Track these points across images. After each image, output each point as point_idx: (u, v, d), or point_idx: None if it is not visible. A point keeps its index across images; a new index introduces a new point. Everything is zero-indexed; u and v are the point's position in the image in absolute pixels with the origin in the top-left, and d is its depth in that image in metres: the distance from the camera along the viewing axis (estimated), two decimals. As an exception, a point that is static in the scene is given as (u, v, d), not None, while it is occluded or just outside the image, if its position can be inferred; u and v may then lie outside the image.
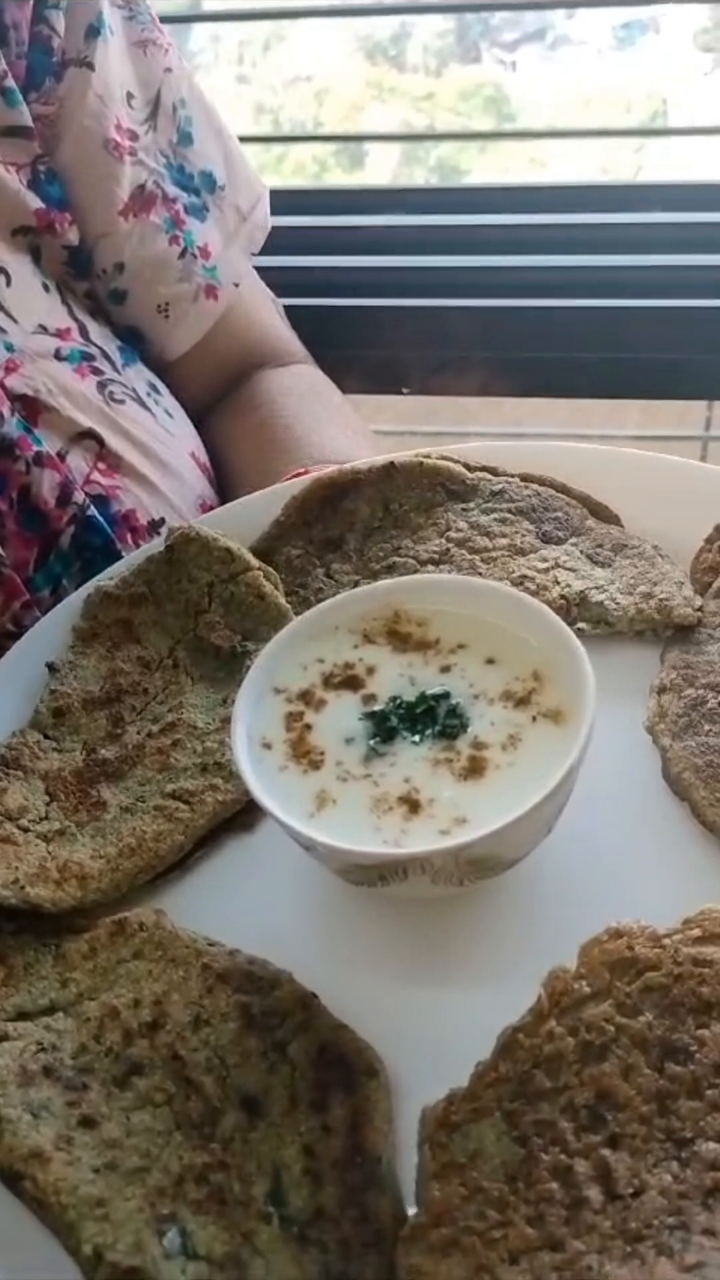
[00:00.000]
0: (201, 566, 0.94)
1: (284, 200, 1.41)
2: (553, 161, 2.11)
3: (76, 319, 1.20)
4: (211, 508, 1.20)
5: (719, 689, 0.81)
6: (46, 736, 0.88)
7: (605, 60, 2.20)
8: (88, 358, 1.17)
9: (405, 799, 0.71)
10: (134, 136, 1.23)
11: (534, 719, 0.73)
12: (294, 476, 1.05)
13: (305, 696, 0.78)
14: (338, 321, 1.68)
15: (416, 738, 0.74)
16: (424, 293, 1.68)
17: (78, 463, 1.11)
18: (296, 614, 0.86)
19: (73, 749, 0.87)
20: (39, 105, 1.16)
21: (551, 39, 2.23)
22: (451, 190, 2.02)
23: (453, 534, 0.95)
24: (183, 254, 1.27)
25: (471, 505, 0.97)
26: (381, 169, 2.33)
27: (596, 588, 0.89)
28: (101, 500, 1.12)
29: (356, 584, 0.92)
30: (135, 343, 1.27)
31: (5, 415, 1.06)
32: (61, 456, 1.10)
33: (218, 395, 1.37)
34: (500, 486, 0.98)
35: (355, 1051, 0.67)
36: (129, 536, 1.13)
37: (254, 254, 1.35)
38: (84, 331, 1.19)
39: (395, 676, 0.78)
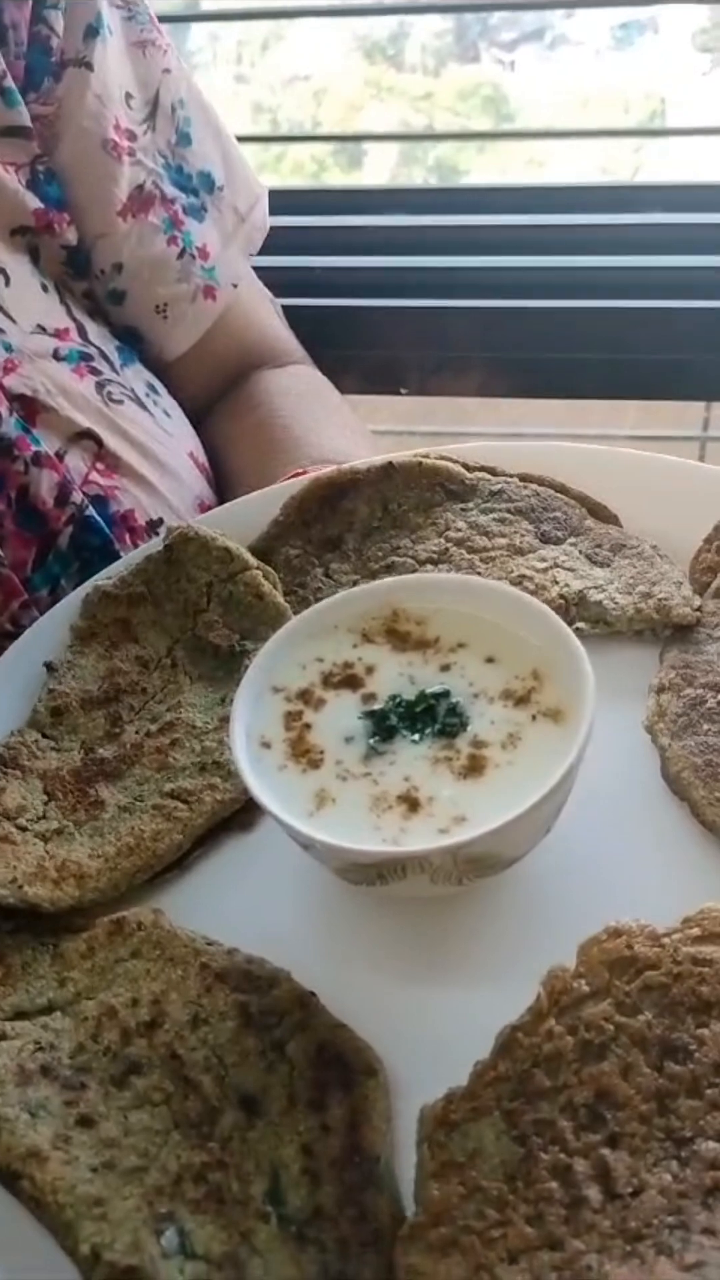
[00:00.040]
0: (200, 566, 0.94)
1: (282, 200, 1.41)
2: (551, 161, 2.11)
3: (75, 319, 1.20)
4: (210, 508, 1.20)
5: (718, 688, 0.81)
6: (45, 736, 0.88)
7: (604, 60, 2.20)
8: (86, 358, 1.17)
9: (404, 798, 0.71)
10: (133, 137, 1.23)
11: (534, 718, 0.73)
12: (292, 477, 1.05)
13: (304, 695, 0.78)
14: (336, 322, 1.68)
15: (416, 736, 0.74)
16: (422, 293, 1.68)
17: (76, 463, 1.11)
18: (295, 613, 0.86)
19: (71, 748, 0.87)
20: (38, 105, 1.16)
21: (550, 39, 2.23)
22: (450, 190, 2.02)
23: (451, 534, 0.95)
24: (181, 254, 1.27)
25: (470, 505, 0.97)
26: (380, 169, 2.33)
27: (595, 587, 0.89)
28: (100, 500, 1.12)
29: (355, 584, 0.92)
30: (134, 343, 1.27)
31: (4, 415, 1.06)
32: (60, 456, 1.10)
33: (216, 396, 1.37)
34: (499, 486, 0.98)
35: (354, 1050, 0.67)
36: (127, 537, 1.13)
37: (252, 254, 1.35)
38: (82, 331, 1.19)
39: (395, 675, 0.78)
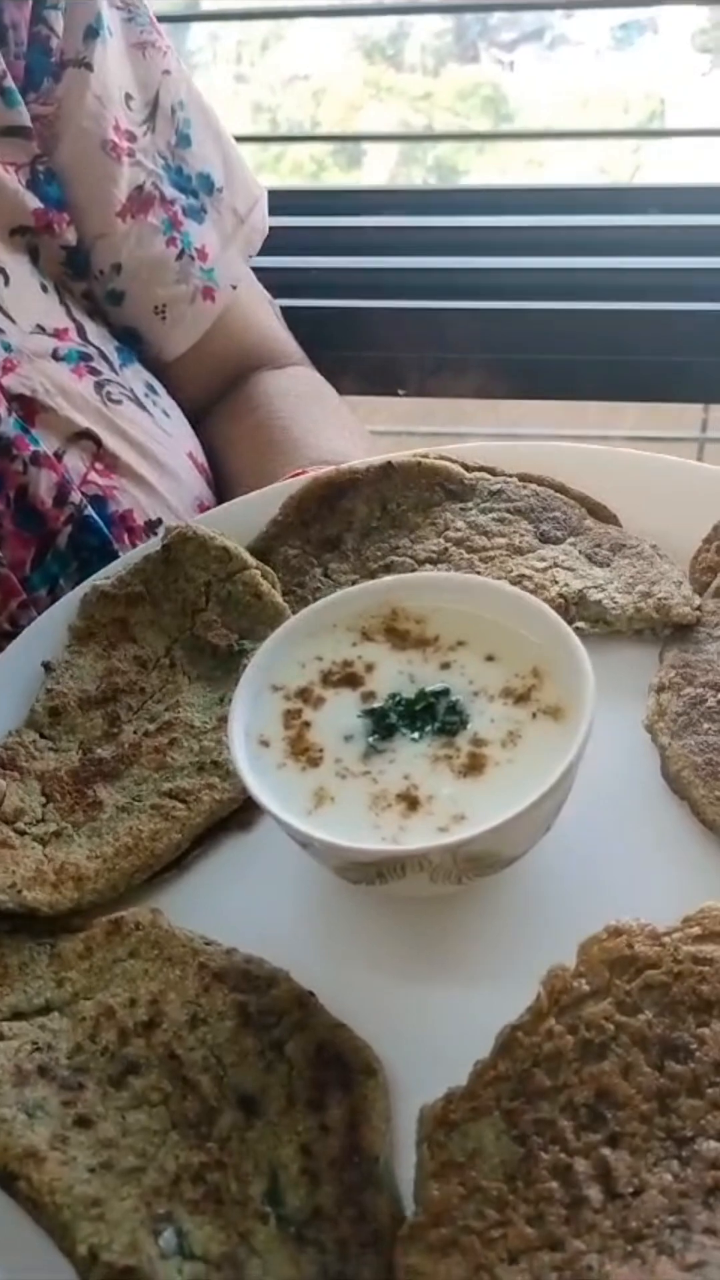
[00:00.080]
0: (198, 566, 0.94)
1: (281, 200, 1.41)
2: (550, 161, 2.11)
3: (74, 319, 1.20)
4: (209, 508, 1.20)
5: (718, 687, 0.81)
6: (43, 736, 0.88)
7: (603, 61, 2.20)
8: (85, 358, 1.17)
9: (404, 796, 0.70)
10: (132, 138, 1.23)
11: (534, 716, 0.73)
12: (291, 478, 1.05)
13: (304, 694, 0.77)
14: (335, 322, 1.68)
15: (416, 734, 0.73)
16: (421, 294, 1.68)
17: (75, 463, 1.11)
18: (294, 613, 0.86)
19: (69, 748, 0.87)
20: (37, 105, 1.16)
21: (549, 39, 2.23)
22: (449, 191, 2.03)
23: (451, 533, 0.95)
24: (180, 255, 1.27)
25: (470, 505, 0.97)
26: (379, 169, 2.33)
27: (595, 587, 0.88)
28: (98, 500, 1.12)
29: (354, 583, 0.92)
30: (133, 343, 1.27)
31: (2, 415, 1.06)
32: (59, 456, 1.10)
33: (215, 397, 1.37)
34: (498, 486, 0.97)
35: (353, 1050, 0.66)
36: (126, 537, 1.13)
37: (251, 256, 1.35)
38: (82, 332, 1.19)
39: (394, 674, 0.78)
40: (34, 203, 1.15)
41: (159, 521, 1.15)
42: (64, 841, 0.81)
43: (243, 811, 0.82)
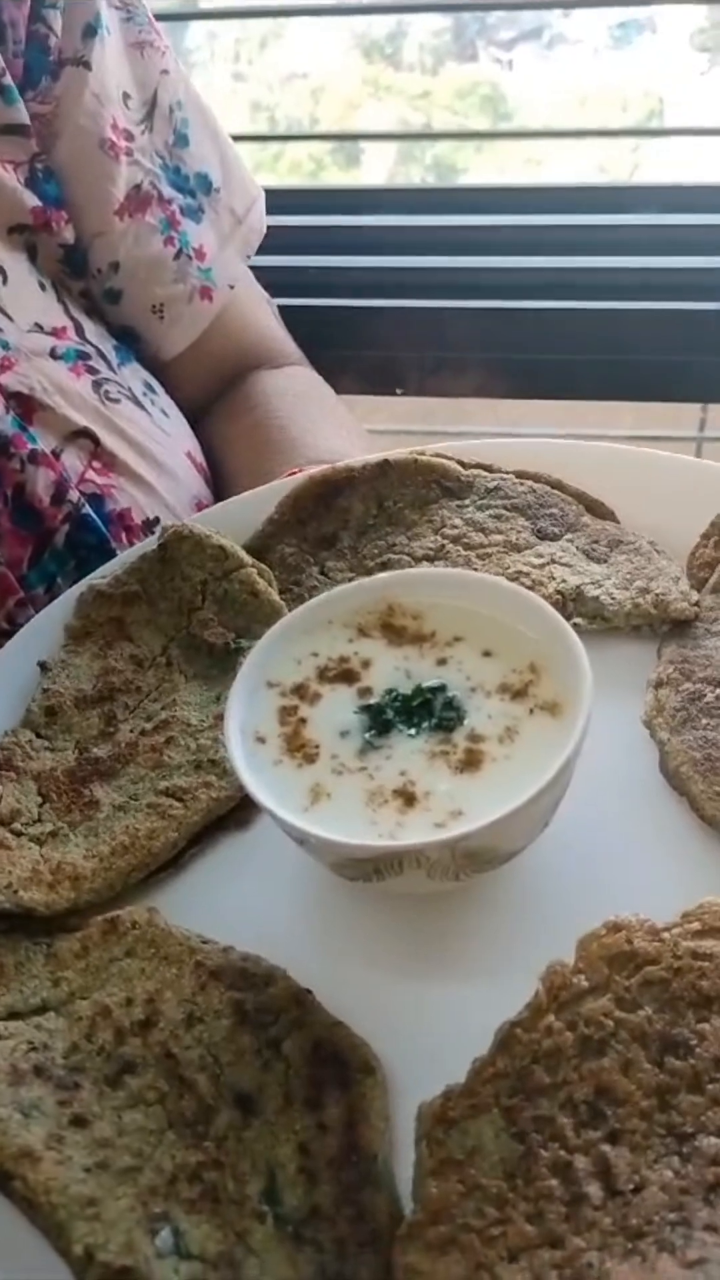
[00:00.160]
0: (195, 564, 0.94)
1: (279, 199, 1.41)
2: (549, 160, 2.11)
3: (72, 317, 1.19)
4: (207, 507, 1.20)
5: (716, 683, 0.80)
6: (39, 736, 0.87)
7: (602, 59, 2.20)
8: (83, 356, 1.17)
9: (401, 792, 0.70)
10: (130, 137, 1.23)
11: (531, 711, 0.72)
12: (288, 477, 1.04)
13: (299, 690, 0.77)
14: (333, 322, 1.68)
15: (412, 730, 0.73)
16: (419, 293, 1.68)
17: (72, 461, 1.11)
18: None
19: (65, 748, 0.87)
20: (36, 104, 1.16)
21: (548, 38, 2.23)
22: (447, 190, 2.03)
23: (448, 531, 0.95)
24: (178, 255, 1.27)
25: (466, 502, 0.97)
26: (377, 168, 2.33)
27: (592, 583, 0.88)
28: (96, 499, 1.12)
29: (351, 581, 0.91)
30: (131, 342, 1.27)
31: (0, 413, 1.05)
32: (56, 455, 1.09)
33: (213, 396, 1.37)
34: (495, 483, 0.97)
35: (350, 1048, 0.66)
36: (124, 535, 1.13)
37: (249, 256, 1.34)
38: (80, 330, 1.19)
39: (391, 669, 0.77)
40: (32, 201, 1.15)
41: (157, 520, 1.15)
42: (60, 841, 0.80)
43: (240, 810, 0.82)
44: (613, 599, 0.87)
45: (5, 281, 1.12)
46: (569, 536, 0.93)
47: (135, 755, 0.85)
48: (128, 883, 0.79)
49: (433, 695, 0.74)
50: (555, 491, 0.96)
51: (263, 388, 1.35)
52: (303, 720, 0.75)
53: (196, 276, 1.28)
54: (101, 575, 0.96)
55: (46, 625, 0.94)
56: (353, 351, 1.67)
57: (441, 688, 0.75)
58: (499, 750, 0.71)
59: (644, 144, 2.09)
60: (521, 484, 0.96)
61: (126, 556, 0.98)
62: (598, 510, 0.96)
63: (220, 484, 1.29)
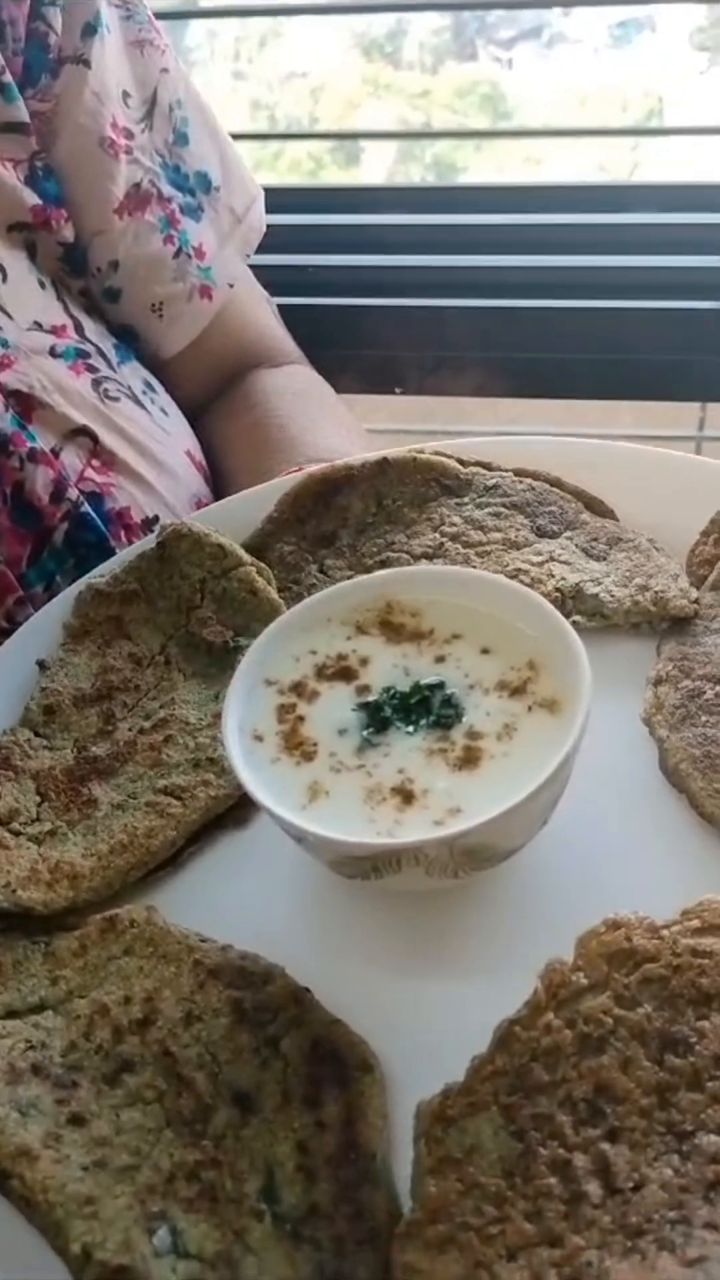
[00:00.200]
0: (193, 563, 0.94)
1: (279, 198, 1.41)
2: (549, 159, 2.11)
3: (72, 316, 1.19)
4: (206, 506, 1.20)
5: (716, 680, 0.80)
6: (37, 734, 0.87)
7: (601, 58, 2.20)
8: (83, 355, 1.17)
9: (399, 790, 0.70)
10: (130, 135, 1.23)
11: (529, 708, 0.72)
12: (288, 475, 1.04)
13: (297, 688, 0.77)
14: (332, 321, 1.68)
15: (410, 728, 0.73)
16: (419, 292, 1.68)
17: (72, 459, 1.11)
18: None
19: (64, 747, 0.86)
20: (35, 102, 1.16)
21: (548, 37, 2.23)
22: (447, 189, 2.02)
23: (446, 529, 0.95)
24: (177, 254, 1.26)
25: (465, 500, 0.96)
26: (377, 166, 2.33)
27: (591, 580, 0.88)
28: (95, 497, 1.11)
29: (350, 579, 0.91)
30: (130, 341, 1.27)
31: (0, 411, 1.05)
32: (55, 453, 1.09)
33: (212, 395, 1.37)
34: (494, 481, 0.97)
35: (349, 1046, 0.66)
36: (123, 534, 1.13)
37: (249, 255, 1.34)
38: (79, 328, 1.19)
39: (389, 667, 0.77)
40: (32, 199, 1.15)
41: (156, 519, 1.15)
42: (59, 840, 0.80)
43: (238, 808, 0.82)
44: (612, 596, 0.86)
45: (5, 279, 1.12)
46: (568, 534, 0.93)
47: (134, 754, 0.84)
48: (126, 881, 0.78)
49: (431, 693, 0.74)
50: (554, 489, 0.96)
51: (262, 386, 1.35)
52: (301, 718, 0.75)
53: (196, 275, 1.28)
54: (100, 574, 0.96)
55: (45, 624, 0.94)
56: (352, 350, 1.67)
57: (440, 685, 0.75)
58: (497, 748, 0.71)
59: (643, 143, 2.09)
60: (520, 482, 0.96)
61: (125, 555, 0.98)
62: (597, 508, 0.95)
63: (220, 483, 1.29)
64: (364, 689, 0.76)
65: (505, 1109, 0.61)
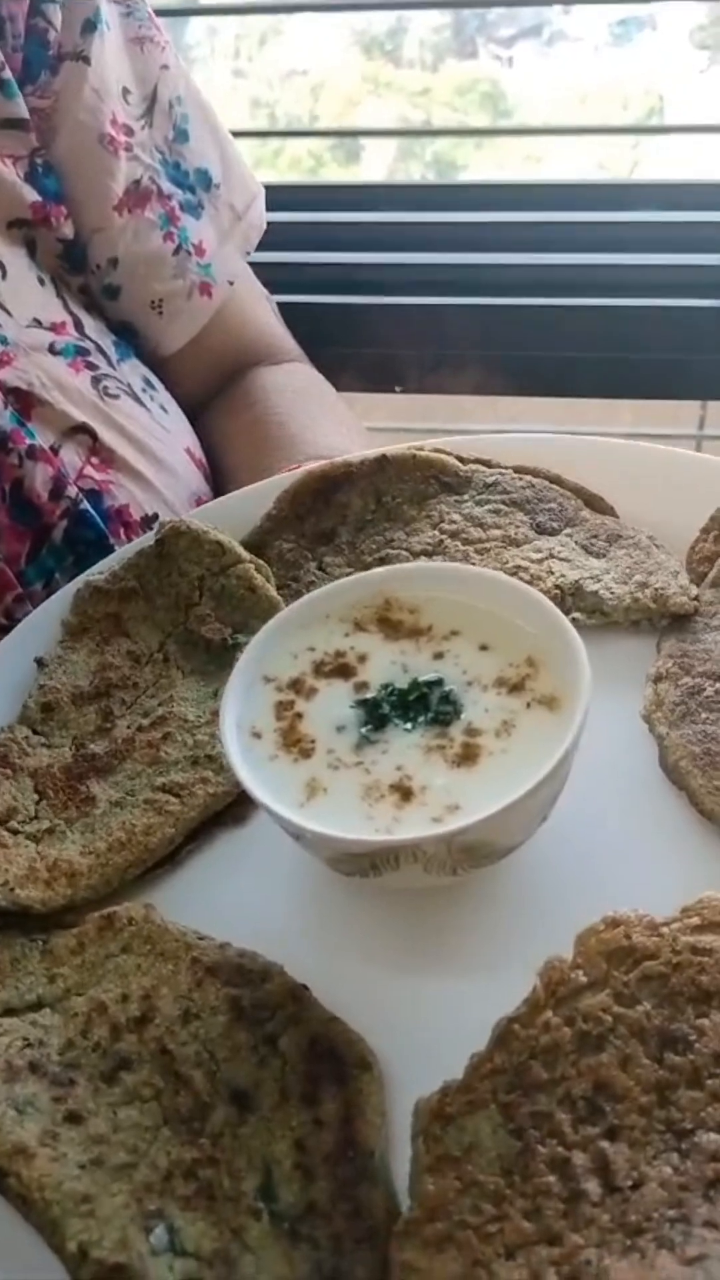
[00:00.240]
0: (192, 560, 0.93)
1: (279, 196, 1.41)
2: (549, 157, 2.12)
3: (71, 313, 1.19)
4: (206, 504, 1.20)
5: (715, 677, 0.80)
6: (35, 732, 0.87)
7: (602, 57, 2.20)
8: (82, 352, 1.17)
9: (397, 787, 0.69)
10: (130, 132, 1.22)
11: (528, 705, 0.72)
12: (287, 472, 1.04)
13: (296, 685, 0.76)
14: (332, 319, 1.68)
15: (409, 725, 0.73)
16: (419, 290, 1.68)
17: (71, 457, 1.11)
18: (288, 606, 0.85)
19: (62, 744, 0.86)
20: (35, 99, 1.16)
21: (548, 35, 2.23)
22: (447, 187, 2.02)
23: (446, 526, 0.94)
24: (177, 251, 1.26)
25: (465, 497, 0.96)
26: (377, 164, 2.33)
27: (591, 577, 0.88)
28: (95, 495, 1.11)
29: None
30: (130, 338, 1.26)
31: (-1, 408, 1.05)
32: (55, 450, 1.09)
33: (212, 392, 1.37)
34: (494, 478, 0.97)
35: (347, 1044, 0.66)
36: (122, 532, 1.13)
37: (249, 252, 1.34)
38: (79, 326, 1.19)
39: (387, 664, 0.77)
40: (32, 195, 1.15)
41: (155, 516, 1.15)
42: (57, 838, 0.80)
43: (236, 806, 0.82)
44: (612, 593, 0.86)
45: (4, 276, 1.12)
46: (568, 531, 0.92)
47: (132, 751, 0.84)
48: (124, 879, 0.78)
49: (429, 689, 0.74)
50: (554, 486, 0.95)
51: (262, 384, 1.35)
52: (299, 715, 0.75)
53: (196, 272, 1.28)
54: (98, 571, 0.96)
55: (43, 621, 0.94)
56: (352, 349, 1.67)
57: (438, 682, 0.74)
58: (496, 744, 0.70)
59: (644, 141, 2.09)
60: (520, 479, 0.96)
61: (124, 552, 0.98)
62: (597, 505, 0.95)
63: (219, 480, 1.29)
64: (362, 686, 0.76)
65: (504, 1107, 0.61)
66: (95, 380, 1.16)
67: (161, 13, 1.30)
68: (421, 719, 0.73)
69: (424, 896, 0.74)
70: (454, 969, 0.71)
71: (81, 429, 1.12)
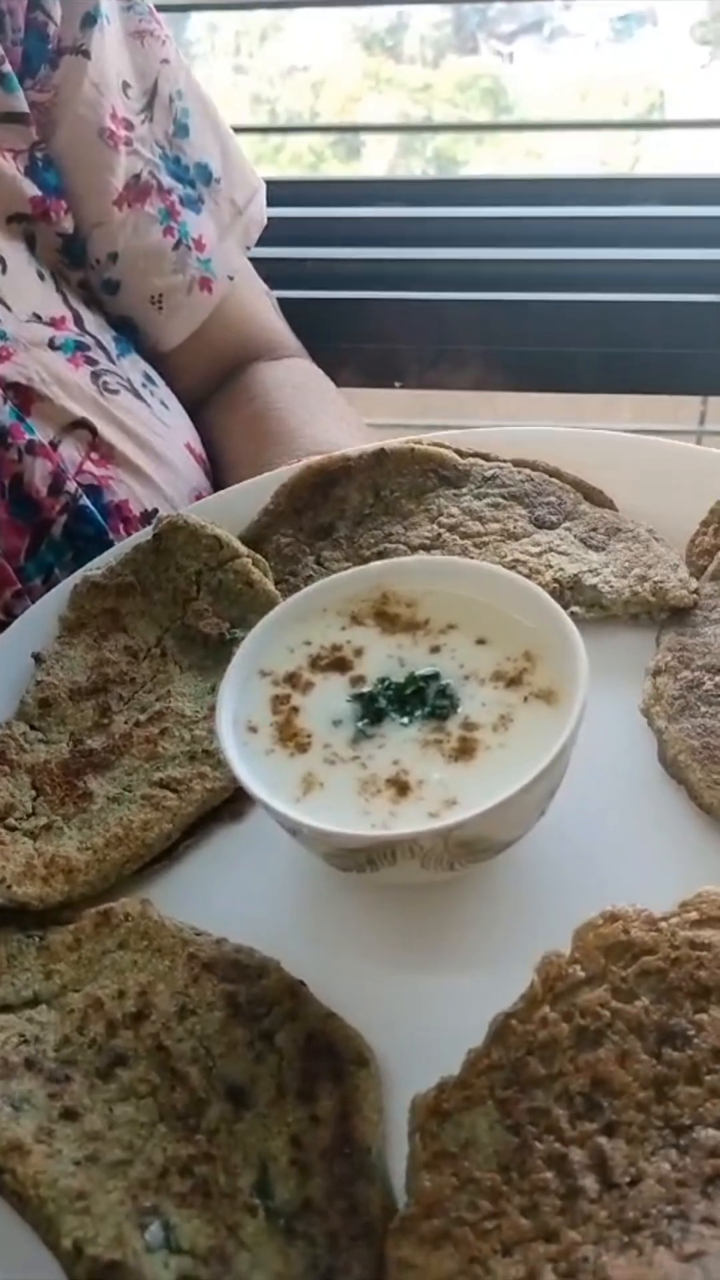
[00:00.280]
0: (189, 555, 0.93)
1: (280, 191, 1.41)
2: (550, 153, 2.11)
3: (71, 308, 1.19)
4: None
5: (715, 671, 0.79)
6: (33, 728, 0.87)
7: (603, 52, 2.20)
8: (82, 347, 1.16)
9: (394, 781, 0.69)
10: (130, 126, 1.22)
11: (525, 699, 0.71)
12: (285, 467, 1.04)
13: (292, 679, 0.76)
14: (332, 314, 1.67)
15: (405, 719, 0.72)
16: (419, 285, 1.67)
17: (70, 452, 1.10)
18: (286, 602, 0.85)
19: (59, 740, 0.86)
20: (34, 92, 1.16)
21: (549, 30, 2.23)
22: (448, 182, 2.01)
23: (444, 520, 0.94)
24: (177, 245, 1.26)
25: (464, 491, 0.96)
26: (378, 160, 2.32)
27: (590, 571, 0.87)
28: (94, 490, 1.11)
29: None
30: (130, 333, 1.26)
31: (-2, 403, 1.05)
32: (54, 445, 1.09)
33: (212, 387, 1.36)
34: (492, 472, 0.96)
35: (344, 1040, 0.65)
36: (122, 527, 1.12)
37: (249, 247, 1.34)
38: (79, 321, 1.18)
39: (384, 658, 0.76)
40: (32, 190, 1.14)
41: (155, 512, 1.14)
42: (54, 834, 0.80)
43: (234, 801, 0.81)
44: (611, 587, 0.86)
45: (4, 271, 1.12)
46: (567, 524, 0.92)
47: (129, 747, 0.84)
48: (121, 875, 0.78)
49: (426, 683, 0.73)
50: (553, 479, 0.95)
51: (262, 379, 1.35)
52: (295, 709, 0.74)
53: (196, 267, 1.28)
54: (96, 566, 0.96)
55: (41, 616, 0.94)
56: (352, 344, 1.66)
57: (435, 676, 0.74)
58: (493, 739, 0.70)
59: (644, 136, 2.09)
60: (519, 472, 0.96)
61: (121, 547, 0.97)
62: (596, 498, 0.95)
63: (219, 475, 1.28)
64: (359, 680, 0.75)
65: (501, 1103, 0.60)
66: (95, 375, 1.16)
67: (162, 8, 1.30)
68: (418, 713, 0.72)
69: (421, 892, 0.73)
70: (451, 964, 0.71)
71: (81, 424, 1.12)
